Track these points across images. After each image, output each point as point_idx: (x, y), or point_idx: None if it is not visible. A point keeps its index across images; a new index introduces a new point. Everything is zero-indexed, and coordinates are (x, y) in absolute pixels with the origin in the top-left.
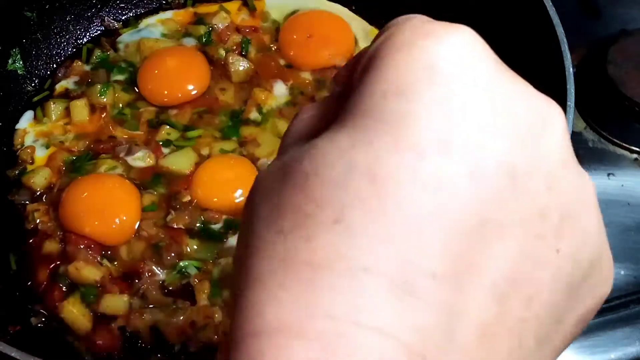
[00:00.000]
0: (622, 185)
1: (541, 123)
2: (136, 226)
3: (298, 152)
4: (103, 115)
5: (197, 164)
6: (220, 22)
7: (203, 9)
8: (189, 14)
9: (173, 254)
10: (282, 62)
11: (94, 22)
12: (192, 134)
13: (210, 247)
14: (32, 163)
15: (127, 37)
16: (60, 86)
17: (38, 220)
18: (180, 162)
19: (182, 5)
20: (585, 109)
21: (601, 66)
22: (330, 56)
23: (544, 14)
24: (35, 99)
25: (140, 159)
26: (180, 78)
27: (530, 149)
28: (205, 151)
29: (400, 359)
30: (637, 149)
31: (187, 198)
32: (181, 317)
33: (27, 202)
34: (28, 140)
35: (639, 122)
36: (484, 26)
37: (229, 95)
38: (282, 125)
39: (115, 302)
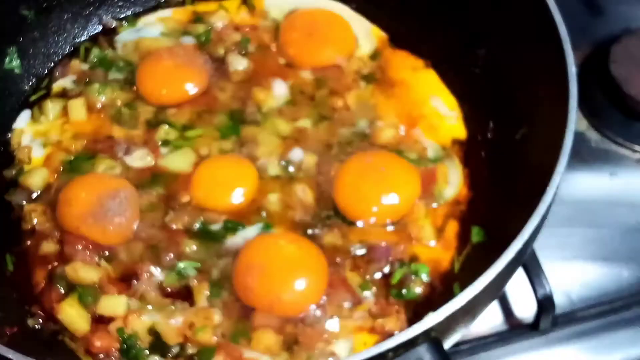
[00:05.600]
0: (625, 186)
1: None
2: (134, 227)
3: None
4: (101, 115)
5: (196, 164)
6: (219, 20)
7: (202, 7)
8: (188, 13)
9: (172, 255)
10: (281, 61)
11: (92, 21)
12: (191, 133)
13: (210, 247)
14: (29, 163)
15: (125, 36)
16: (57, 85)
17: (35, 221)
18: (179, 162)
19: (181, 4)
20: (587, 108)
21: (604, 65)
22: (331, 55)
23: (546, 13)
24: (33, 98)
25: (139, 159)
26: (179, 77)
27: None
28: (204, 151)
29: None
30: None
31: (186, 198)
32: (180, 318)
33: (25, 202)
34: (25, 140)
35: None
36: (487, 26)
37: (228, 95)
38: (282, 125)
39: (114, 303)
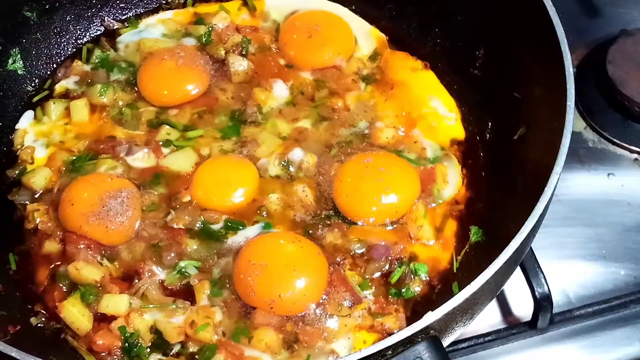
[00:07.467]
0: (622, 185)
1: None
2: (136, 226)
3: None
4: (103, 115)
5: (197, 164)
6: (220, 22)
7: (203, 8)
8: (189, 14)
9: (173, 254)
10: (282, 62)
11: (94, 22)
12: (192, 134)
13: (210, 247)
14: (32, 163)
15: (127, 37)
16: (60, 86)
17: (38, 220)
18: (180, 162)
19: (183, 5)
20: (585, 109)
21: (601, 66)
22: (331, 56)
23: (544, 15)
24: (35, 99)
25: (140, 159)
26: (180, 78)
27: None
28: (205, 151)
29: None
30: (637, 149)
31: (187, 198)
32: (181, 317)
33: (27, 202)
34: (28, 140)
35: (639, 122)
36: (485, 28)
37: (228, 95)
38: (282, 126)
39: (116, 302)
